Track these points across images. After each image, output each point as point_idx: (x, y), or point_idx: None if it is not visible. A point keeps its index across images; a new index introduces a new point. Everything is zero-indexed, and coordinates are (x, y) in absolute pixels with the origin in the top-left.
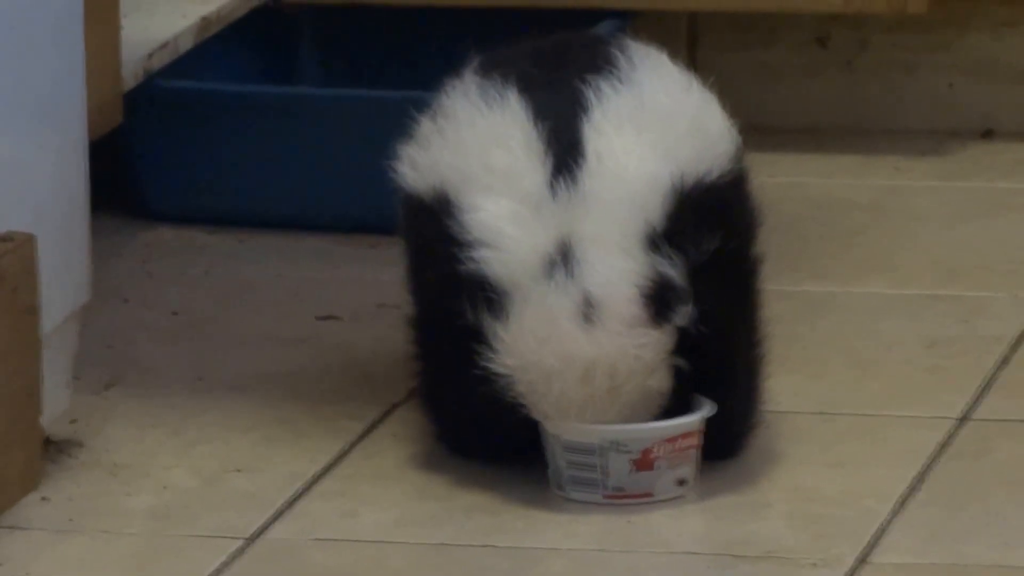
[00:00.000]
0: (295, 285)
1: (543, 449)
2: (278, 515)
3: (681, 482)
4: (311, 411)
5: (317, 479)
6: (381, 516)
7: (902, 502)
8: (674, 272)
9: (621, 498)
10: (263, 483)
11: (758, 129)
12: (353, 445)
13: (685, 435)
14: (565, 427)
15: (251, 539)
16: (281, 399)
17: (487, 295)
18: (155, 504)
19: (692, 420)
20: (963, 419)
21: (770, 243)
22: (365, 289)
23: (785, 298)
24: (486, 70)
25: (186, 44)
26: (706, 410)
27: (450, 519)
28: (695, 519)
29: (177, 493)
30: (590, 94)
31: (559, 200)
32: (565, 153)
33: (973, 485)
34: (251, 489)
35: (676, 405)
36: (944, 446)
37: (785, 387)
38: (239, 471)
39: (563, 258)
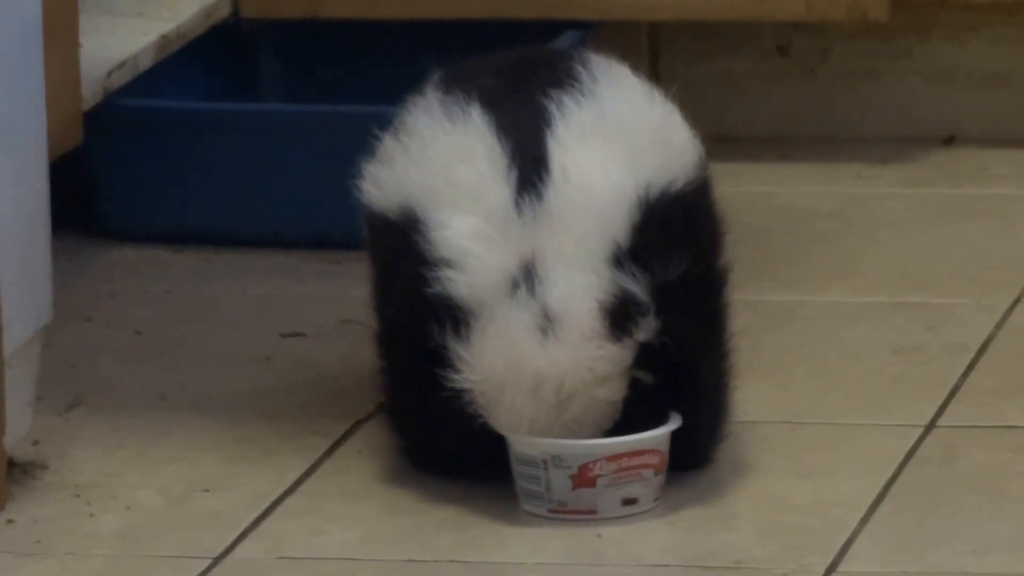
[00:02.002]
0: (259, 303)
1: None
2: (245, 534)
3: (628, 502)
4: (277, 429)
5: (283, 497)
6: (348, 533)
7: (870, 510)
8: (637, 286)
9: (564, 513)
10: (229, 502)
11: (721, 139)
12: (319, 462)
13: (632, 454)
14: (516, 439)
15: (218, 559)
16: (246, 417)
17: (452, 315)
18: (121, 525)
19: (636, 439)
20: (930, 427)
21: (735, 253)
22: (330, 306)
23: (750, 308)
24: (448, 86)
25: (146, 62)
26: (660, 430)
27: (418, 535)
28: (664, 531)
29: (143, 513)
30: (553, 108)
31: (524, 217)
32: (530, 168)
33: (941, 493)
34: (217, 508)
35: (641, 421)
36: (911, 454)
37: (752, 397)
38: (205, 491)
39: (526, 276)
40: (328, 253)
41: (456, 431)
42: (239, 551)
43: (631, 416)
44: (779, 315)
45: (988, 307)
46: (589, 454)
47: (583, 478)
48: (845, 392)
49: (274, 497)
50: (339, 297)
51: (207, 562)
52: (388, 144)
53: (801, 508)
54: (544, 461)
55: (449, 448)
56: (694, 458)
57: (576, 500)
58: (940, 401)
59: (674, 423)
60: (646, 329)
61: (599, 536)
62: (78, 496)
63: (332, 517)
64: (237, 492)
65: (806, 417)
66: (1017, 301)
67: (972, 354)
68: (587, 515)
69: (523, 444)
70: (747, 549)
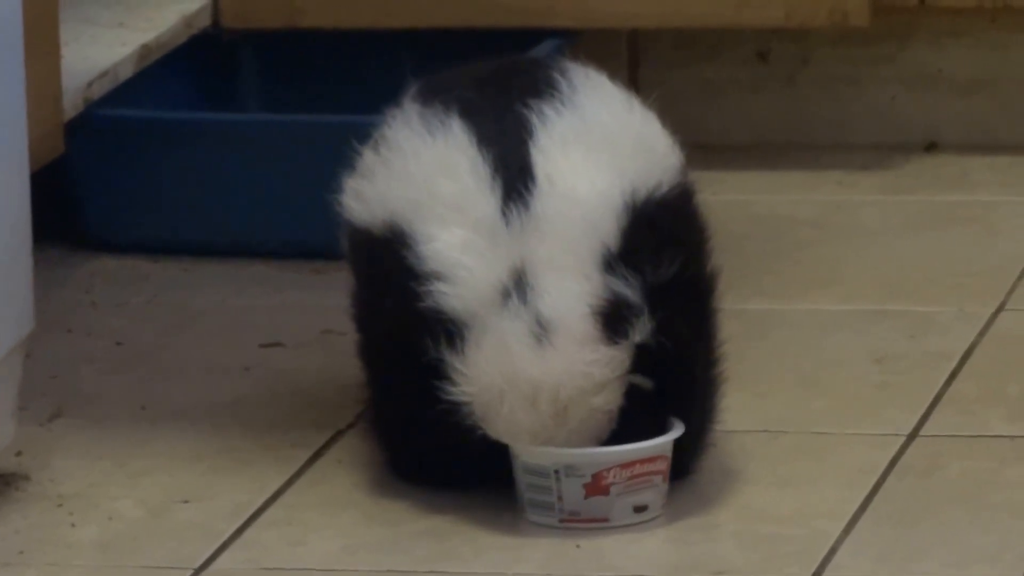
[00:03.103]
0: (239, 313)
1: (509, 473)
2: (226, 545)
3: (639, 509)
4: (257, 439)
5: (264, 508)
6: (329, 544)
7: (852, 520)
8: (629, 289)
9: (576, 522)
10: (210, 513)
11: (701, 146)
12: (299, 473)
13: (644, 461)
14: (524, 449)
15: (198, 570)
16: (227, 428)
17: (445, 328)
18: (102, 536)
19: (649, 446)
20: (912, 436)
21: (715, 261)
22: (309, 315)
23: (731, 316)
24: (426, 98)
25: (126, 72)
26: (670, 435)
27: (398, 545)
28: (645, 541)
29: (124, 524)
30: (533, 118)
31: (512, 226)
32: (514, 178)
33: (924, 502)
34: (198, 519)
35: (640, 427)
36: (894, 463)
37: (732, 405)
38: (186, 501)
39: (517, 285)
40: (308, 263)
41: (448, 443)
42: (220, 562)
43: (628, 423)
44: (760, 324)
45: (970, 315)
46: (603, 462)
47: (597, 486)
48: (827, 401)
49: (255, 507)
50: (319, 307)
51: (188, 573)
52: (368, 158)
53: (783, 518)
54: (556, 471)
55: (439, 460)
56: (681, 467)
57: (589, 509)
58: (922, 410)
59: (678, 428)
60: (640, 331)
61: (578, 547)
62: (60, 506)
63: (313, 527)
64: (217, 503)
65: (787, 426)
66: (1000, 309)
67: (954, 363)
68: (600, 524)
69: (533, 454)
70: (728, 559)
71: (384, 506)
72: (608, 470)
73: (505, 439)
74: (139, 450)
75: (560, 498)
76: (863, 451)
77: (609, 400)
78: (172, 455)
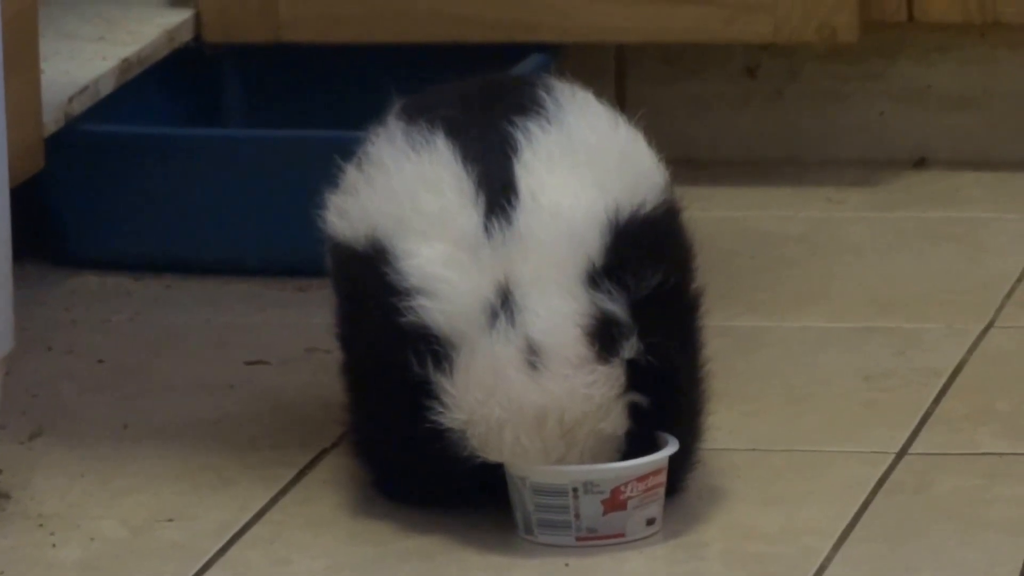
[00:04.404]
0: (223, 330)
1: (497, 492)
2: (209, 564)
3: (650, 522)
4: (240, 458)
5: (248, 527)
6: (313, 563)
7: (841, 539)
8: (616, 307)
9: (593, 540)
10: (193, 532)
11: (689, 162)
12: (284, 491)
13: (655, 473)
14: (534, 469)
15: None
16: (210, 446)
17: (430, 346)
18: (84, 556)
19: (661, 457)
20: (901, 453)
21: (703, 277)
22: (294, 333)
23: (719, 333)
24: (410, 115)
25: (107, 87)
26: (671, 447)
27: (384, 564)
28: (632, 560)
29: (106, 544)
30: (518, 135)
31: (495, 241)
32: (498, 194)
33: (913, 520)
34: (181, 539)
35: (638, 444)
36: (883, 481)
37: (720, 423)
38: (169, 520)
39: (503, 304)
40: (292, 280)
41: (435, 463)
42: None
43: (628, 440)
44: (748, 341)
45: (960, 332)
46: (623, 476)
47: (615, 501)
48: (815, 419)
49: (238, 527)
50: (303, 325)
51: None
52: (352, 175)
53: (771, 536)
54: (574, 489)
55: (426, 479)
56: (670, 485)
57: (606, 525)
58: (911, 428)
59: (673, 440)
60: (630, 348)
61: (567, 565)
62: (41, 526)
63: (297, 546)
64: (201, 522)
65: (776, 444)
66: (989, 326)
67: (944, 380)
68: (616, 540)
69: (548, 474)
70: None
71: (369, 525)
72: (626, 484)
73: (515, 464)
74: (121, 469)
75: (577, 516)
76: (852, 469)
77: (616, 424)
78: (155, 474)
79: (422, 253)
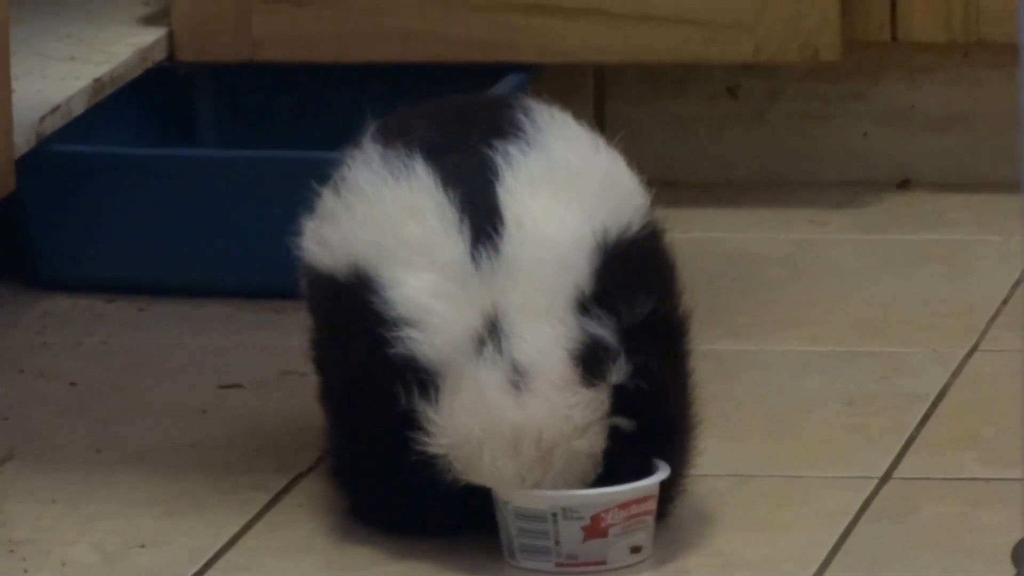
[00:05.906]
0: (196, 353)
1: (478, 518)
2: None
3: (636, 549)
4: (215, 483)
5: (222, 553)
6: None
7: (824, 565)
8: (605, 331)
9: (574, 567)
10: (167, 558)
11: (669, 183)
12: (258, 517)
13: (639, 500)
14: (516, 494)
15: None
16: (184, 471)
17: (418, 376)
18: None
19: (645, 485)
20: (885, 479)
21: (687, 301)
22: (269, 356)
23: (701, 357)
24: (387, 138)
25: (79, 107)
26: (660, 474)
27: None
28: None
29: (78, 570)
30: (499, 159)
31: (482, 270)
32: (482, 220)
33: (897, 546)
34: (154, 565)
35: (623, 469)
36: (866, 507)
37: (703, 448)
38: (142, 546)
39: (491, 332)
40: (266, 302)
41: (418, 491)
42: None
43: (611, 466)
44: (730, 365)
45: (943, 356)
46: (602, 503)
47: (595, 528)
48: (798, 444)
49: (212, 552)
50: (278, 348)
51: None
52: (329, 200)
53: (753, 563)
54: (554, 514)
55: (408, 507)
56: (660, 509)
57: (587, 552)
58: (895, 452)
59: (664, 467)
60: (618, 372)
61: None
62: (12, 552)
63: (272, 572)
64: (174, 548)
65: (758, 470)
66: (973, 349)
67: (927, 404)
68: (597, 567)
69: (529, 499)
70: None
71: (346, 551)
72: (607, 511)
73: (491, 485)
74: (94, 494)
75: (557, 542)
76: (835, 494)
77: (593, 443)
78: (128, 499)
79: (409, 283)
